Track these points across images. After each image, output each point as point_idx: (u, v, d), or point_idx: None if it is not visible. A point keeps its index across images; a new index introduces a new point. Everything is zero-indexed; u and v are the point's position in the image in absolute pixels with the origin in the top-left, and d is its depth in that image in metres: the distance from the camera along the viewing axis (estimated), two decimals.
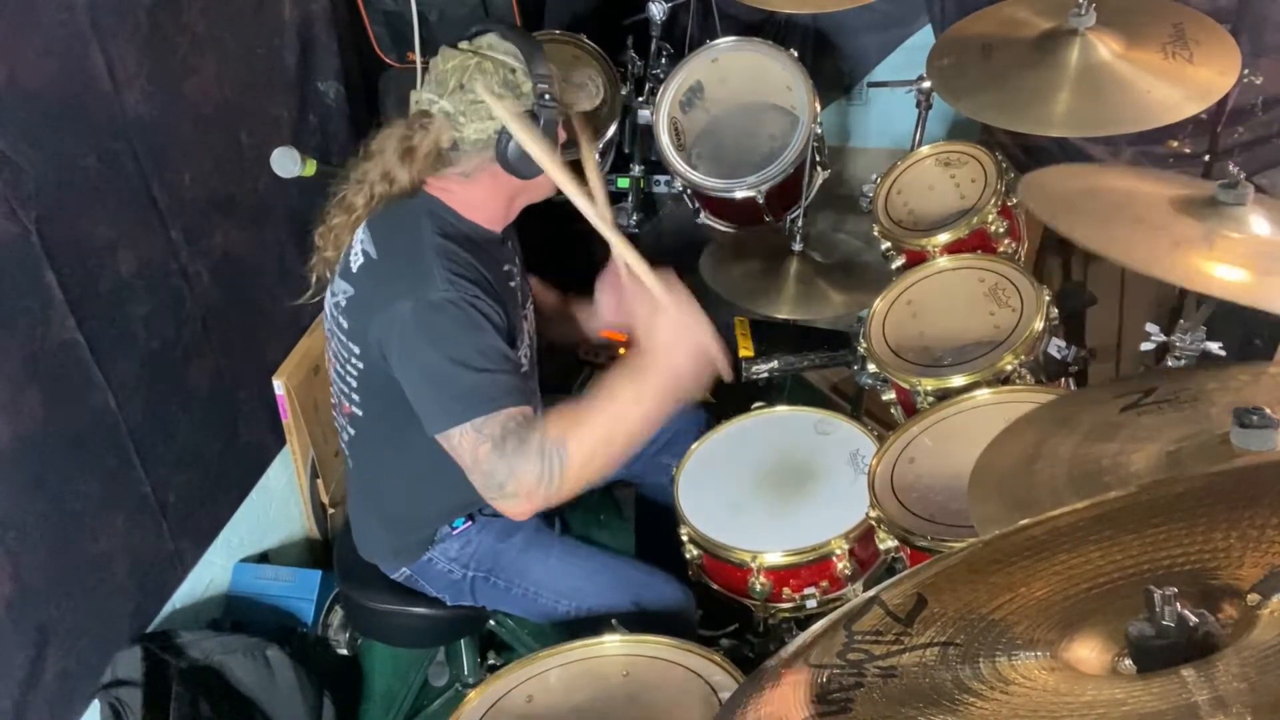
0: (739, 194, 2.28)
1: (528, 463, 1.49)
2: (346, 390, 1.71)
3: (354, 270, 1.64)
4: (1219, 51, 1.78)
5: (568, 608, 1.77)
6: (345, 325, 1.65)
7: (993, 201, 2.07)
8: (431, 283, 1.54)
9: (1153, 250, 1.31)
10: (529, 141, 1.55)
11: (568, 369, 2.69)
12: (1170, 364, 1.66)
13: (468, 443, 1.51)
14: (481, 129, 1.58)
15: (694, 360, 1.52)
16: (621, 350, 2.60)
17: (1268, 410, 1.12)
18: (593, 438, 1.52)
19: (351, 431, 1.76)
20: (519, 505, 1.54)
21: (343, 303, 1.65)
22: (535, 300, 1.92)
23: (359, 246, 1.64)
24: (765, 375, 2.36)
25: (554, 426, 1.52)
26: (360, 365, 1.64)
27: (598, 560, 1.82)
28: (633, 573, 1.80)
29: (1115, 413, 1.31)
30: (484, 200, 1.66)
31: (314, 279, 1.74)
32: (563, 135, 1.72)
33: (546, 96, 1.58)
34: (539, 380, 1.90)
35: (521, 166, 1.60)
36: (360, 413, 1.71)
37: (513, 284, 1.74)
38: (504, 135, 1.58)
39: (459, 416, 1.52)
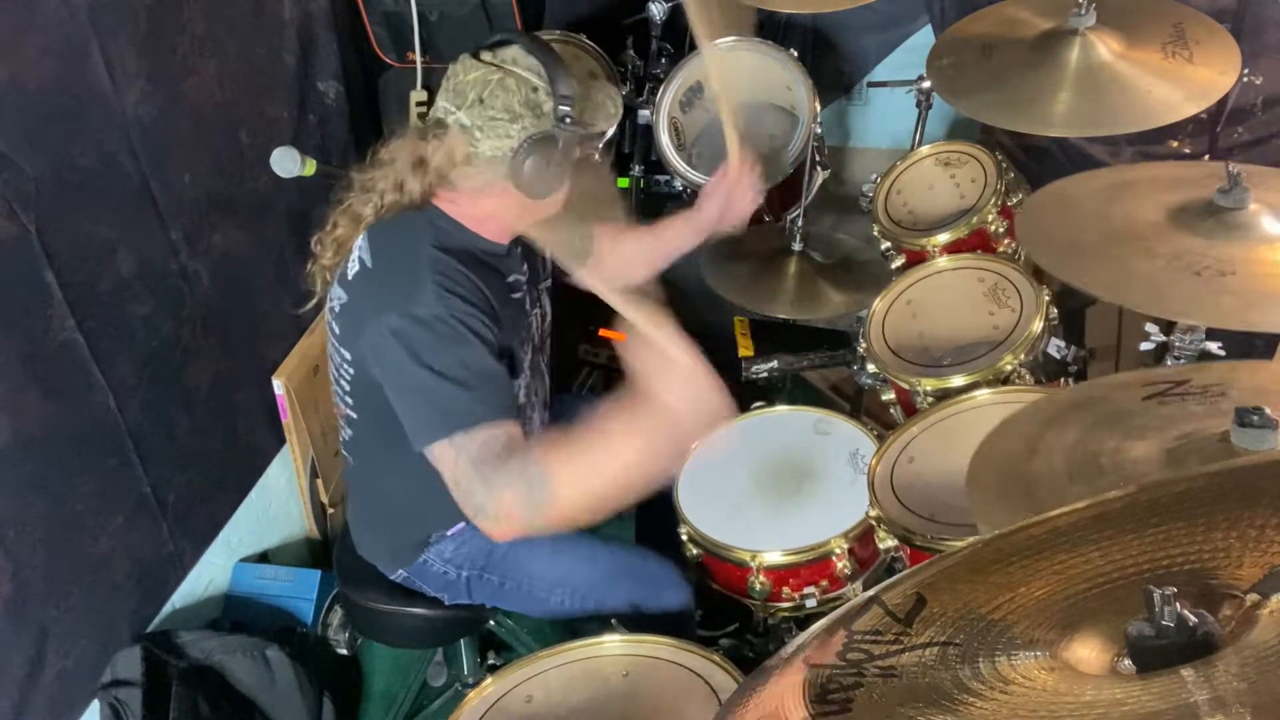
0: None
1: (506, 484, 1.44)
2: (341, 393, 1.71)
3: (349, 278, 1.63)
4: (1219, 51, 1.78)
5: (562, 598, 1.77)
6: (338, 331, 1.65)
7: (993, 201, 2.07)
8: (420, 297, 1.51)
9: (1158, 289, 1.33)
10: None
11: (568, 369, 2.69)
12: (1170, 364, 1.66)
13: (448, 459, 1.48)
14: (498, 145, 1.54)
15: (697, 412, 1.44)
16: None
17: (1268, 410, 1.12)
18: (580, 464, 1.45)
19: (349, 432, 1.77)
20: (499, 527, 1.48)
21: (337, 308, 1.65)
22: (626, 245, 1.97)
23: (356, 254, 1.63)
24: (765, 375, 2.36)
25: (539, 451, 1.47)
26: (352, 371, 1.64)
27: (590, 549, 1.80)
28: (626, 560, 1.79)
29: (1136, 401, 1.31)
30: (491, 214, 1.64)
31: (317, 285, 1.72)
32: (598, 158, 1.68)
33: (568, 120, 1.54)
34: (552, 383, 1.90)
35: (534, 187, 1.57)
36: (355, 415, 1.72)
37: (517, 295, 1.72)
38: (520, 153, 1.54)
39: (440, 431, 1.49)
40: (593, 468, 1.45)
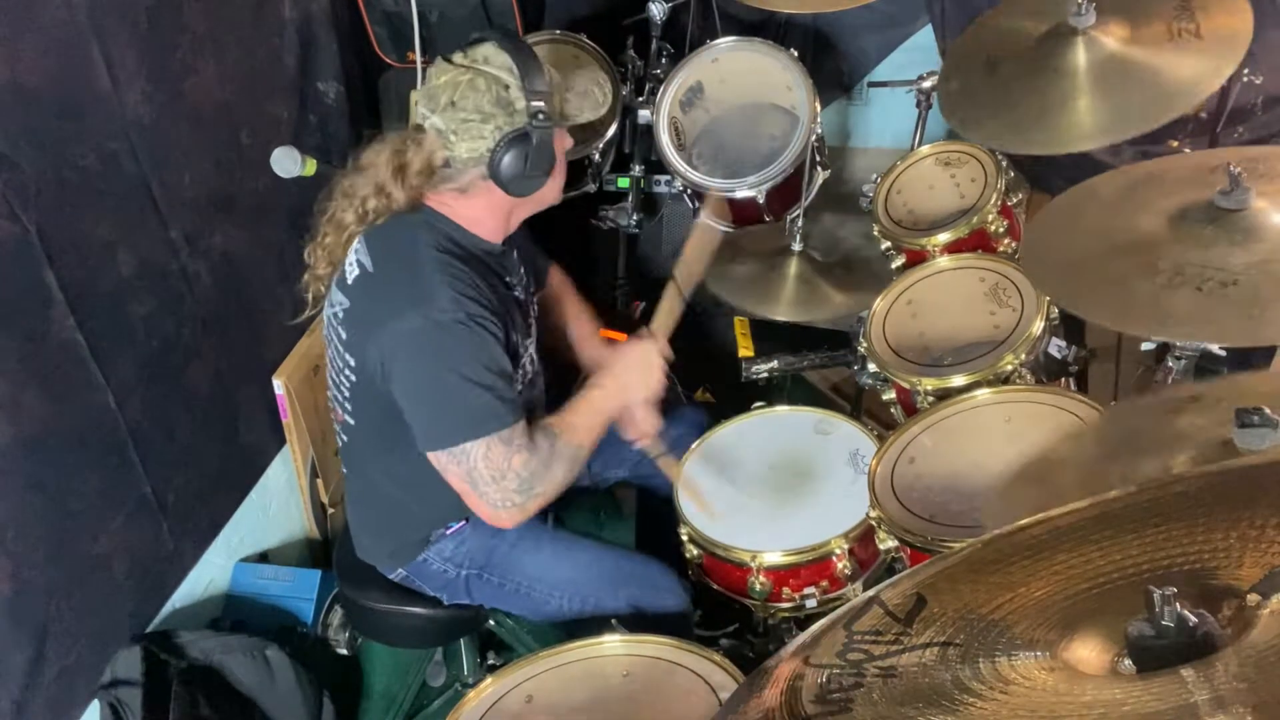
0: (739, 194, 2.28)
1: (562, 465, 1.62)
2: (340, 399, 1.71)
3: (349, 282, 1.63)
4: (1227, 12, 1.71)
5: (561, 601, 1.77)
6: (344, 336, 1.65)
7: (993, 201, 2.07)
8: (438, 301, 1.53)
9: (1160, 310, 1.33)
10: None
11: (567, 369, 2.69)
12: (1170, 364, 1.66)
13: (496, 454, 1.55)
14: (474, 147, 1.56)
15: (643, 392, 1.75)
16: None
17: (1267, 410, 1.11)
18: (590, 443, 1.68)
19: (345, 438, 1.77)
20: (524, 511, 1.60)
21: (340, 314, 1.65)
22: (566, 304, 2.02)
23: (354, 257, 1.63)
24: (765, 375, 2.36)
25: (569, 433, 1.65)
26: (354, 377, 1.64)
27: (590, 553, 1.81)
28: (626, 564, 1.80)
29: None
30: (483, 214, 1.65)
31: (310, 296, 1.74)
32: (568, 142, 1.70)
33: (540, 116, 1.55)
34: (546, 381, 1.90)
35: (515, 185, 1.60)
36: (352, 421, 1.71)
37: (516, 294, 1.73)
38: (497, 152, 1.56)
39: (473, 432, 1.54)
40: (595, 433, 1.70)
